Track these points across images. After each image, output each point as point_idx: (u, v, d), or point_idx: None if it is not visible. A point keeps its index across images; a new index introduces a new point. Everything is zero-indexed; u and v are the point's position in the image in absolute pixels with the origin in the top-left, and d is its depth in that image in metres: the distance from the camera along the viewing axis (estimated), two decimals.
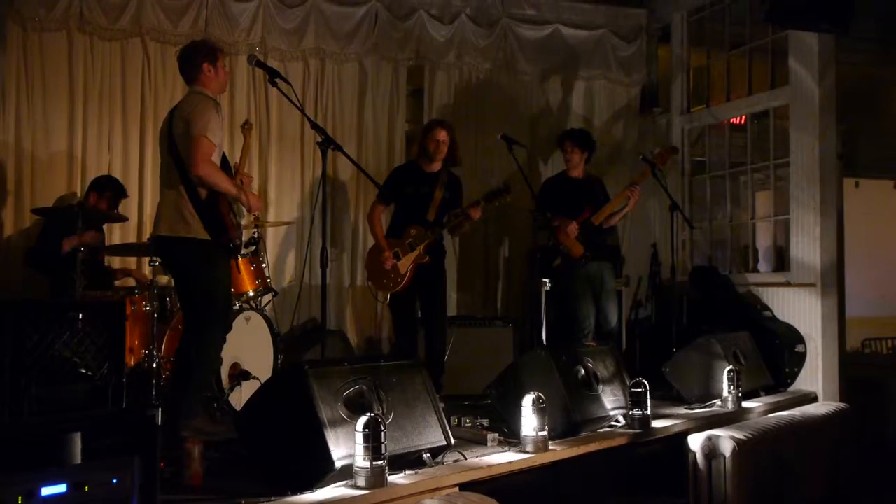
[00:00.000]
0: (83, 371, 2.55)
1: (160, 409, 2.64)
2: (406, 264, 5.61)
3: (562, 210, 6.19)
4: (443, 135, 5.70)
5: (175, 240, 4.29)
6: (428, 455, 3.59)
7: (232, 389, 5.18)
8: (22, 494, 2.29)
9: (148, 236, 4.80)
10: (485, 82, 7.57)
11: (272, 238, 6.65)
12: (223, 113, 6.52)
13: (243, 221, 6.38)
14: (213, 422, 4.37)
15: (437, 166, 5.77)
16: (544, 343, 5.33)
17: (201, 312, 4.34)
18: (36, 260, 5.60)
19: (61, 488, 2.38)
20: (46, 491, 2.34)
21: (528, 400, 3.92)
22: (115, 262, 6.09)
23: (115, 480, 2.49)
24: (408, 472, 3.44)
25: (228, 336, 5.22)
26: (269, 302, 6.01)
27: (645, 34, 8.14)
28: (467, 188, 7.20)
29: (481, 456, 3.86)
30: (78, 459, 2.40)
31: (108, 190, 5.74)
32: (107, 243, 5.91)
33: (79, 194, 5.95)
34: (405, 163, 6.00)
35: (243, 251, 5.80)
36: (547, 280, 6.16)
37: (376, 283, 5.78)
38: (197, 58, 4.50)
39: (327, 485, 3.19)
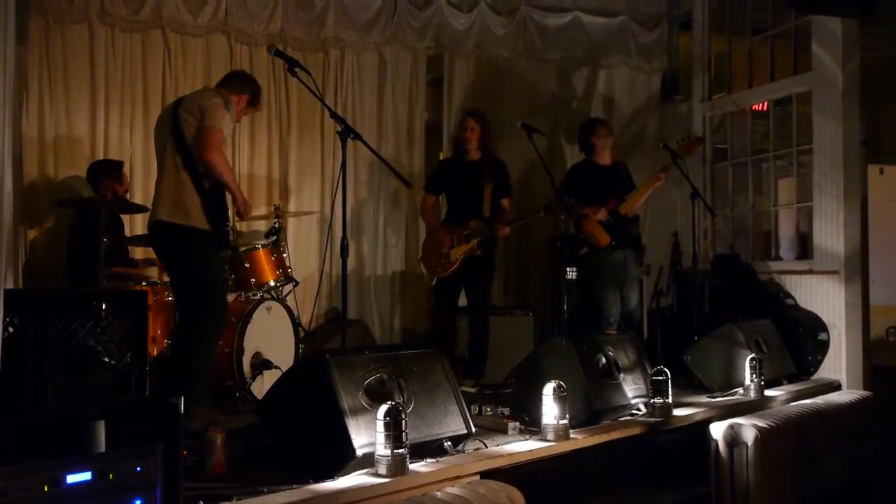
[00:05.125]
0: (106, 360, 2.57)
1: (183, 398, 2.66)
2: (458, 253, 5.80)
3: (588, 198, 6.17)
4: (470, 122, 5.97)
5: (172, 227, 4.33)
6: (449, 443, 3.59)
7: (254, 379, 5.22)
8: (47, 482, 2.31)
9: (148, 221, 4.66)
10: (504, 70, 7.55)
11: (293, 228, 6.67)
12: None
13: (262, 211, 6.44)
14: (216, 412, 4.39)
15: (475, 155, 5.98)
16: (565, 332, 5.33)
17: (196, 303, 4.37)
18: (81, 258, 5.53)
19: (86, 476, 2.40)
20: (71, 479, 2.36)
21: (548, 388, 3.91)
22: (138, 253, 6.12)
23: (138, 468, 2.50)
24: (429, 460, 3.45)
25: (250, 326, 5.30)
26: (290, 292, 6.03)
27: (665, 21, 8.08)
28: None
29: (502, 444, 3.86)
30: (102, 447, 2.42)
31: (115, 171, 5.75)
32: (129, 233, 5.95)
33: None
34: (450, 155, 6.27)
35: (264, 241, 5.84)
36: (573, 269, 6.19)
37: (427, 265, 6.01)
38: (248, 86, 4.76)
39: (349, 473, 3.20)
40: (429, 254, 6.01)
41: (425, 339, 6.71)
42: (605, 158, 6.40)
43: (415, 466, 3.32)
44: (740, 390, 5.33)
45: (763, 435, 4.44)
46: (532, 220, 6.24)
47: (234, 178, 4.50)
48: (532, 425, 4.13)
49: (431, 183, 6.15)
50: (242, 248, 5.72)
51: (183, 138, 4.34)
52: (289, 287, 5.95)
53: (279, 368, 5.14)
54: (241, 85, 4.73)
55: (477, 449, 3.72)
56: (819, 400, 5.51)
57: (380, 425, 3.16)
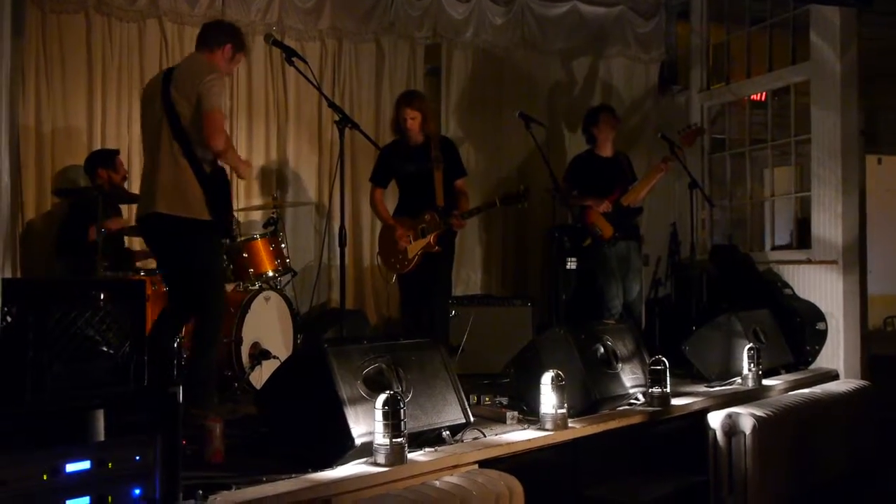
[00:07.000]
0: (105, 349, 2.56)
1: (181, 388, 2.66)
2: (415, 249, 5.57)
3: (591, 189, 6.17)
4: (410, 112, 5.60)
5: (172, 219, 4.10)
6: (447, 433, 3.59)
7: (252, 369, 5.22)
8: (46, 471, 2.32)
9: (138, 212, 4.45)
10: (502, 60, 7.54)
11: (291, 218, 6.66)
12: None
13: (260, 202, 6.44)
14: (228, 407, 4.38)
15: (420, 138, 5.68)
16: (563, 321, 5.33)
17: (196, 299, 4.20)
18: (68, 247, 5.55)
19: (85, 465, 2.40)
20: (71, 468, 2.37)
21: (547, 378, 3.92)
22: (136, 244, 6.11)
23: (137, 457, 2.51)
24: (427, 449, 3.45)
25: (248, 316, 5.30)
26: (288, 282, 6.03)
27: (664, 10, 8.07)
28: (484, 168, 7.20)
29: (501, 433, 3.86)
30: (101, 437, 2.42)
31: (110, 159, 5.74)
32: (127, 225, 5.94)
33: None
34: (391, 142, 5.89)
35: (262, 231, 5.84)
36: (573, 259, 6.15)
37: (385, 261, 5.78)
38: (225, 35, 4.40)
39: (347, 462, 3.21)
40: (385, 249, 5.74)
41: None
42: (606, 150, 6.40)
43: (413, 456, 3.33)
44: (738, 380, 5.34)
45: (761, 424, 4.44)
46: (488, 211, 5.92)
47: (235, 152, 4.36)
48: (530, 415, 4.13)
49: (377, 174, 5.79)
50: (241, 238, 5.71)
51: (179, 123, 4.10)
52: (287, 277, 5.95)
53: (277, 358, 5.15)
54: (219, 37, 4.38)
55: (475, 438, 3.73)
56: (817, 389, 5.52)
57: (378, 415, 3.17)
